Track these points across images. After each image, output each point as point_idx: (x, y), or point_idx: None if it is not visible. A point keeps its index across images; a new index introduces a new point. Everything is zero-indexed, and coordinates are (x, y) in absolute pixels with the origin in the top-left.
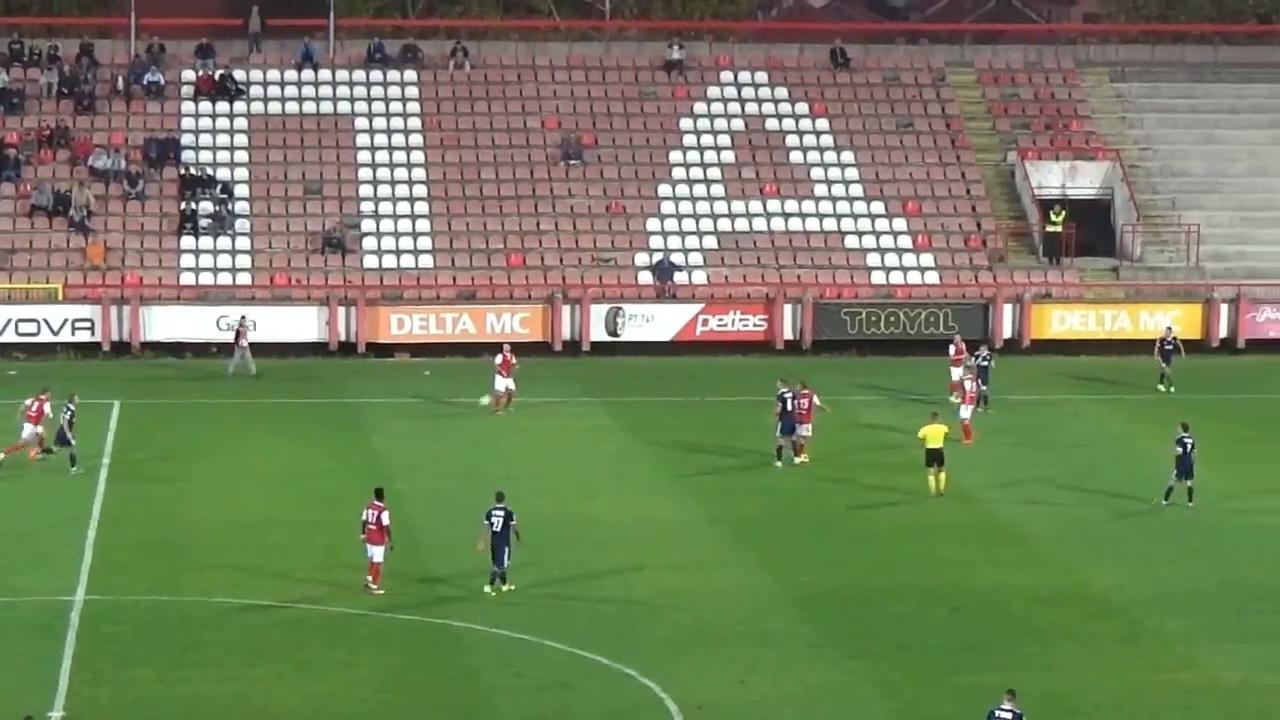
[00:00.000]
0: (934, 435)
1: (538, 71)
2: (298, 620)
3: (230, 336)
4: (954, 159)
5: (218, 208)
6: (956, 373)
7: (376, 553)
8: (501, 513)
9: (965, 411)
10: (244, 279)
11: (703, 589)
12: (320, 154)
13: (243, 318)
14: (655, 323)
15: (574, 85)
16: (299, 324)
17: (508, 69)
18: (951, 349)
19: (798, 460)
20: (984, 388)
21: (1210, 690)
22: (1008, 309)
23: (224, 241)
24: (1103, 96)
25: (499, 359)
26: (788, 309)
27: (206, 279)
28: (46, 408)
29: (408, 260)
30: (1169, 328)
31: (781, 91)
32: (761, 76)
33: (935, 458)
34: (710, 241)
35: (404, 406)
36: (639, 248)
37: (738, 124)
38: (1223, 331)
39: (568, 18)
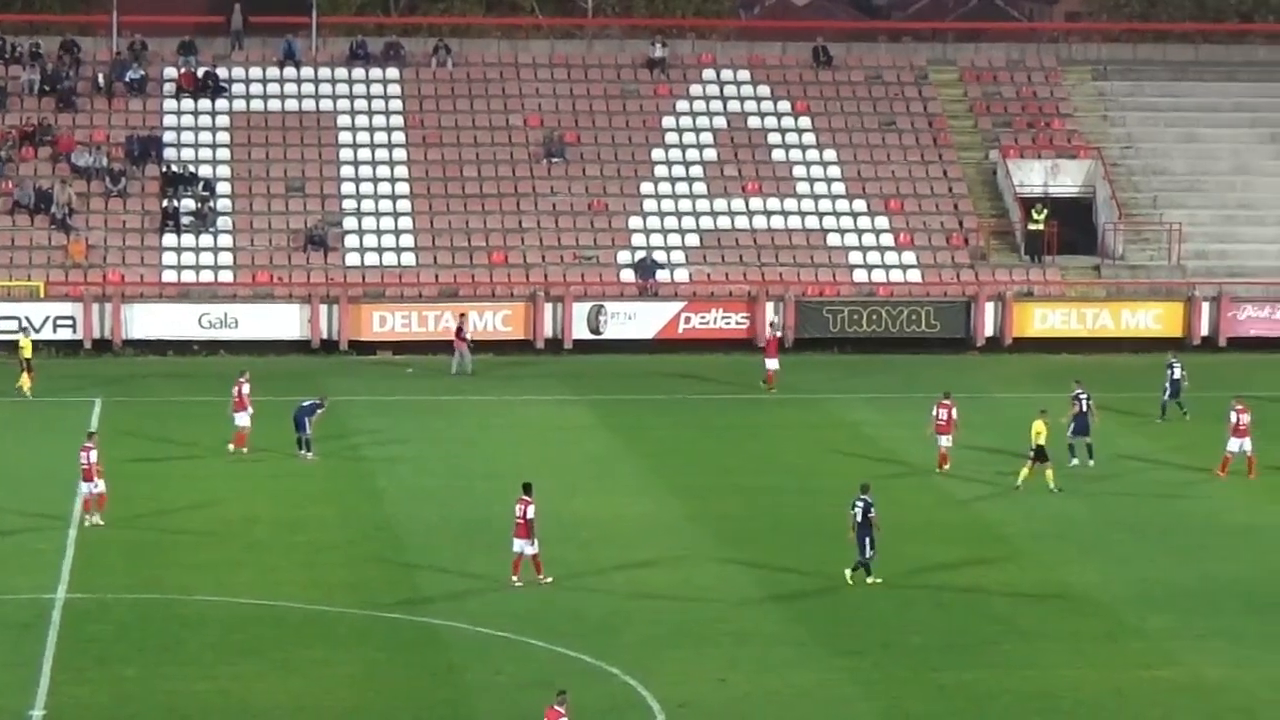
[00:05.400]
0: (1035, 431)
1: (520, 69)
2: (279, 618)
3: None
4: (936, 157)
5: (199, 205)
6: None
7: (522, 546)
8: (863, 504)
9: (1242, 445)
10: (226, 277)
11: (684, 587)
12: (302, 151)
13: (462, 316)
14: (637, 320)
15: (556, 83)
16: (281, 322)
17: (490, 66)
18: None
19: (940, 470)
20: (1176, 398)
21: (1192, 688)
22: (989, 307)
23: (206, 239)
24: (1085, 95)
25: (766, 339)
26: (769, 306)
27: (188, 277)
28: None
29: (390, 258)
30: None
31: (764, 89)
32: (744, 74)
33: (1038, 453)
34: (692, 239)
35: (386, 404)
36: (621, 245)
37: (720, 122)
38: (1204, 330)
39: (550, 15)
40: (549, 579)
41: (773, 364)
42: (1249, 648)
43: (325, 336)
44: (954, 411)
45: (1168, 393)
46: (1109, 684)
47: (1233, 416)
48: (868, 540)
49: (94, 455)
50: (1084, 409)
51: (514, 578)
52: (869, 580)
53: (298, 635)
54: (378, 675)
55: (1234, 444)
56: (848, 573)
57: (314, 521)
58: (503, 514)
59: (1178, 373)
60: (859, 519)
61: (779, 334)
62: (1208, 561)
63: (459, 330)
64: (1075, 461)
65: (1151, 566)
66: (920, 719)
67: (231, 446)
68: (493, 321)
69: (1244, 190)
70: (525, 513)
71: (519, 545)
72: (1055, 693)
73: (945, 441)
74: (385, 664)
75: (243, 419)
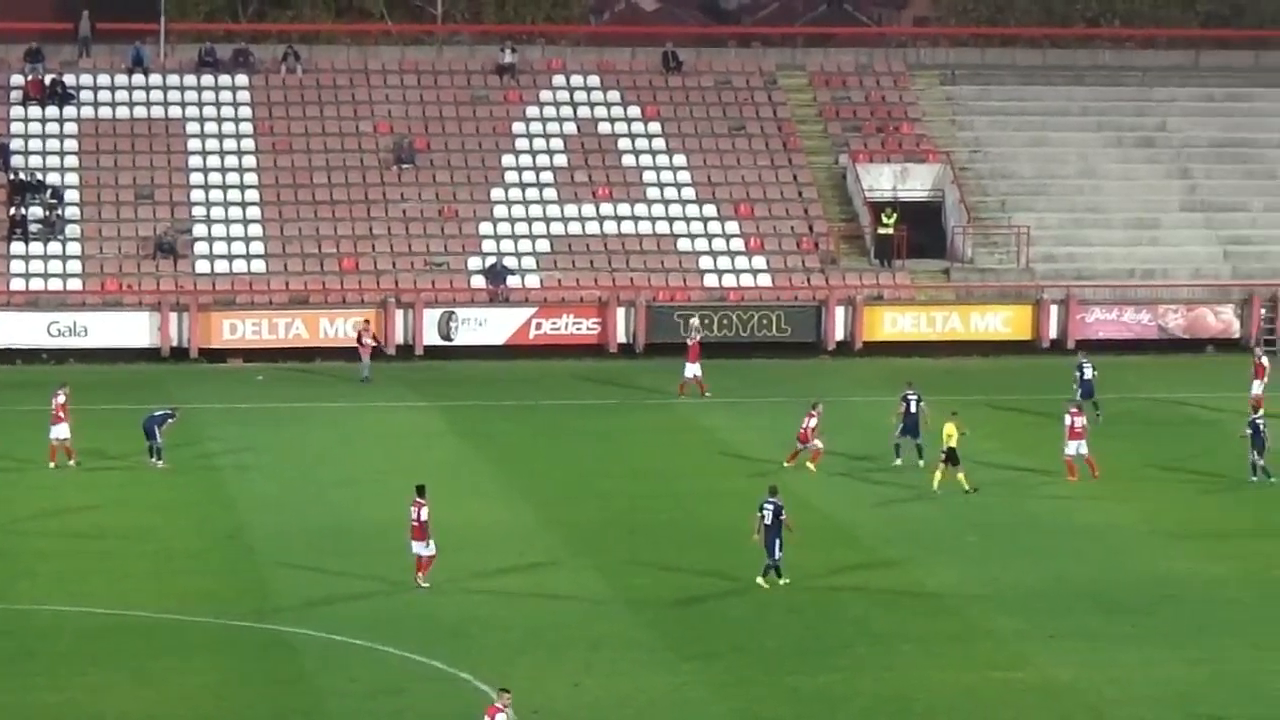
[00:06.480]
0: (947, 432)
1: (370, 75)
2: (129, 628)
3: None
4: (786, 162)
5: (48, 213)
6: (1257, 386)
7: (420, 547)
8: (772, 506)
9: (1079, 448)
10: (75, 285)
11: (537, 593)
12: (151, 159)
13: (366, 321)
14: (488, 327)
15: (406, 89)
16: (131, 330)
17: (340, 73)
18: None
19: (894, 462)
20: (1090, 398)
21: (1043, 688)
22: (840, 311)
23: (54, 247)
24: (933, 99)
25: (690, 343)
26: (620, 312)
27: (37, 285)
28: None
29: (240, 265)
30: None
31: (614, 95)
32: (594, 80)
33: (947, 455)
34: (543, 245)
35: (237, 412)
36: (471, 251)
37: (570, 127)
38: (1052, 333)
39: (400, 21)
40: (427, 584)
41: (693, 369)
42: (1099, 648)
43: (175, 344)
44: (813, 421)
45: (1079, 393)
46: (961, 685)
47: (1067, 419)
48: (777, 542)
49: None
50: (912, 410)
51: (419, 576)
52: (780, 581)
53: (150, 645)
54: (231, 684)
55: (1071, 447)
56: (759, 579)
57: (165, 530)
58: (355, 521)
59: (1089, 372)
60: (768, 521)
61: (700, 338)
62: (1058, 562)
63: (359, 336)
64: (899, 461)
65: (1002, 568)
66: None
67: (52, 464)
68: (344, 328)
69: (1091, 194)
70: (419, 514)
71: (417, 547)
72: (908, 695)
73: (816, 444)
74: (238, 672)
75: (60, 430)
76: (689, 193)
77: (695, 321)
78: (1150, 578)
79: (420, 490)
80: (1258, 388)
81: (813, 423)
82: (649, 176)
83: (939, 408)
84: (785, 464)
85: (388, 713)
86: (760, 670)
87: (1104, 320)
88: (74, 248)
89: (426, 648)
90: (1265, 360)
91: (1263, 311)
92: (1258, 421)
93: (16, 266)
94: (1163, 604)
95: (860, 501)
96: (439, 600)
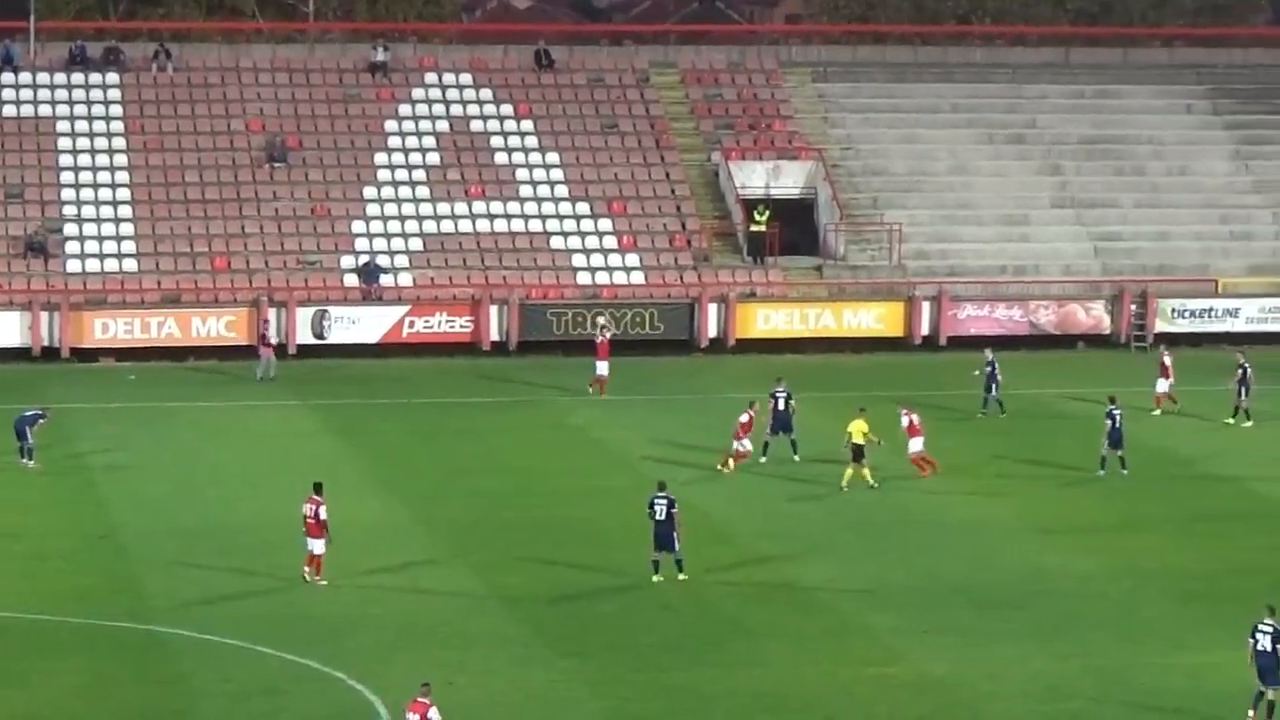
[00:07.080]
0: (856, 430)
1: (241, 73)
2: (1, 629)
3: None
4: (658, 159)
5: None
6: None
7: (316, 545)
8: (664, 501)
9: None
10: None
11: (411, 591)
12: (21, 157)
13: (265, 321)
14: (361, 325)
15: (278, 87)
16: (1, 330)
17: (211, 71)
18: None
19: (759, 459)
20: (994, 393)
21: (917, 684)
22: (713, 308)
23: None
24: (805, 97)
25: (598, 342)
26: (493, 310)
27: None
28: None
29: (111, 264)
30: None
31: (486, 93)
32: (466, 78)
33: (855, 453)
34: (416, 243)
35: (109, 411)
36: (344, 250)
37: (442, 125)
38: (925, 329)
39: (271, 19)
40: (324, 581)
41: (603, 368)
42: (972, 644)
43: (46, 344)
44: (746, 416)
45: (993, 388)
46: (836, 682)
47: (904, 420)
48: (674, 536)
49: None
50: (781, 407)
51: (317, 576)
52: (680, 576)
53: (21, 646)
54: (104, 685)
55: (915, 444)
56: (683, 576)
57: (37, 530)
58: (230, 520)
59: (996, 369)
60: (661, 516)
61: (609, 336)
62: (931, 558)
63: (263, 336)
64: (764, 459)
65: (876, 564)
66: (647, 719)
67: None
68: (216, 327)
69: (962, 190)
70: (317, 512)
71: (312, 544)
72: (782, 691)
73: (739, 446)
74: (112, 674)
75: None
76: (561, 190)
77: (603, 320)
78: (1022, 572)
79: (317, 488)
80: (1163, 385)
81: (750, 417)
82: (521, 174)
83: (819, 405)
84: (719, 468)
85: (262, 713)
86: (634, 667)
87: (976, 317)
88: None
89: (301, 647)
90: (1168, 359)
91: (1133, 308)
92: (1115, 413)
93: None
94: (1034, 598)
95: (736, 498)
96: (314, 599)
